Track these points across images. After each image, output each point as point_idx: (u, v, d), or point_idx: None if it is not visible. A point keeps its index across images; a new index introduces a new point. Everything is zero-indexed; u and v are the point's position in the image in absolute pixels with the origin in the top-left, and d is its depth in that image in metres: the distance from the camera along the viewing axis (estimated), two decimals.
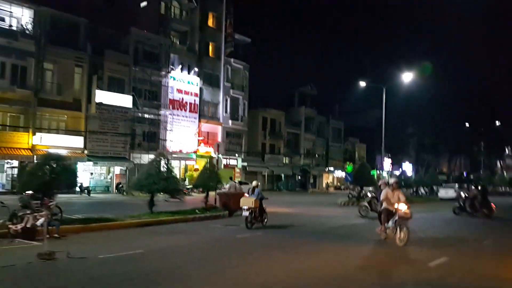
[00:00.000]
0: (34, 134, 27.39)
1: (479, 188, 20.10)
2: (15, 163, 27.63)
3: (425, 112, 52.38)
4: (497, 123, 67.27)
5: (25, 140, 27.05)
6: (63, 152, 28.20)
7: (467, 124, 60.30)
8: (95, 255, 8.30)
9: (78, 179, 26.54)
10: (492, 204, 18.44)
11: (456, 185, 38.32)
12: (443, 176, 56.95)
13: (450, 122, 54.95)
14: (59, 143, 28.40)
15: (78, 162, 30.10)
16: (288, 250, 9.45)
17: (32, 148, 26.59)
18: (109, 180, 32.88)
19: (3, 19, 27.09)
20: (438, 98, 52.42)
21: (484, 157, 69.46)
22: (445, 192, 36.11)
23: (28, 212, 10.40)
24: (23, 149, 26.51)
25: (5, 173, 27.63)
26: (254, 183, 14.87)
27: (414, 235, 12.09)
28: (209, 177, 17.78)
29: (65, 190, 17.01)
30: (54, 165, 12.63)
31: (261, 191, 14.59)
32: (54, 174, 12.42)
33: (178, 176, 35.00)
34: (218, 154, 19.21)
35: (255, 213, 13.27)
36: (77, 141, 29.88)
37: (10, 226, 10.00)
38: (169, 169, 15.90)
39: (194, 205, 18.54)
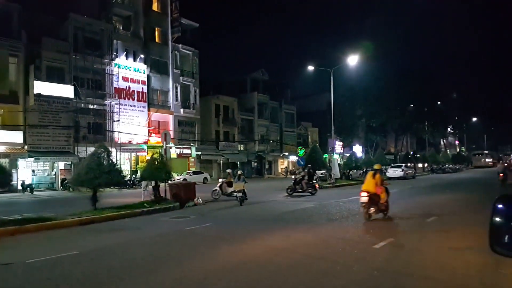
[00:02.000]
0: None
1: (306, 170, 22.53)
2: None
3: (371, 94, 53.86)
4: (439, 103, 70.91)
5: None
6: (1, 148, 26.46)
7: (411, 105, 62.91)
8: (24, 259, 7.61)
9: (13, 176, 25.16)
10: (316, 184, 21.73)
11: (403, 165, 39.87)
12: (391, 156, 59.21)
13: (396, 102, 56.97)
14: None
15: (18, 159, 28.32)
16: (235, 241, 9.18)
17: None
18: (53, 176, 31.14)
19: None
20: (384, 79, 54.08)
21: (429, 136, 72.92)
22: (393, 172, 37.51)
23: None
24: None
25: None
26: (239, 172, 19.19)
27: (360, 215, 12.35)
28: (157, 168, 17.11)
29: None
30: None
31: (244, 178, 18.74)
32: None
33: (129, 168, 34.55)
34: (167, 143, 18.45)
35: (242, 193, 17.35)
36: (16, 136, 27.96)
37: None
38: (112, 162, 15.12)
39: (139, 197, 17.94)
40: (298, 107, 60.58)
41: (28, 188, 27.08)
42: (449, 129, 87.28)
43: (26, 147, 28.30)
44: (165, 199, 17.35)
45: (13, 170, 27.55)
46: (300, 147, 32.93)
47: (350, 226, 10.50)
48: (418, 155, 61.70)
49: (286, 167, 58.94)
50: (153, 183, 17.72)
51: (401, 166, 39.09)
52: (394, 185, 27.82)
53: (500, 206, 2.26)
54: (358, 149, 61.11)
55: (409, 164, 44.60)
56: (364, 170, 41.15)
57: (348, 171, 36.42)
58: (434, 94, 67.11)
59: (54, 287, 5.91)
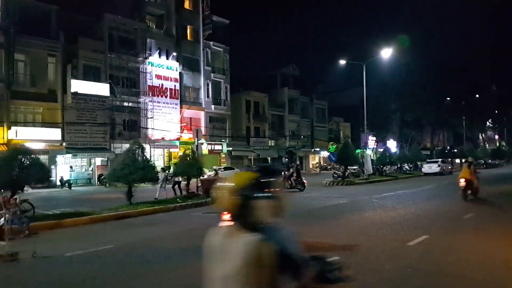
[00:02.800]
0: (9, 128, 26.51)
1: (295, 166, 23.10)
2: None
3: (406, 88, 52.41)
4: (477, 96, 68.07)
5: (0, 135, 26.16)
6: (41, 145, 27.59)
7: (448, 98, 60.73)
8: (62, 253, 7.94)
9: (52, 172, 26.16)
10: (304, 180, 21.75)
11: (440, 160, 38.60)
12: (427, 151, 57.47)
13: (432, 96, 55.12)
14: (35, 136, 27.57)
15: (57, 155, 29.46)
16: None
17: (8, 143, 25.65)
18: (91, 172, 32.22)
19: None
20: (419, 72, 52.45)
21: (466, 131, 70.26)
22: (429, 167, 36.40)
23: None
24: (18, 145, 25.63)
25: None
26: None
27: (394, 212, 12.08)
28: (189, 164, 17.37)
29: (38, 185, 16.59)
30: (22, 160, 12.13)
31: None
32: (22, 169, 11.93)
33: (162, 164, 35.26)
34: (198, 139, 18.69)
35: None
36: (55, 134, 29.02)
37: None
38: (146, 158, 15.48)
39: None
40: (330, 102, 59.81)
41: (67, 184, 28.16)
42: (488, 123, 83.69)
43: (64, 144, 29.37)
44: (197, 194, 17.60)
45: (52, 166, 28.79)
46: (331, 143, 32.56)
47: (383, 223, 10.27)
48: (455, 150, 59.58)
49: (318, 162, 58.46)
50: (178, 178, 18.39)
51: (437, 162, 37.81)
52: (430, 181, 27.27)
53: None
54: (392, 144, 59.77)
55: (446, 160, 43.09)
56: (398, 165, 40.19)
57: (381, 166, 35.65)
58: (472, 87, 64.53)
59: (91, 278, 6.12)
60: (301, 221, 11.29)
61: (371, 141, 51.76)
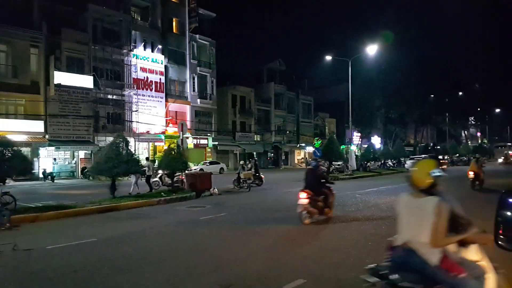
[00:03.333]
0: None
1: (253, 162, 23.60)
2: None
3: (391, 84, 53.02)
4: (460, 93, 69.30)
5: None
6: (23, 137, 27.11)
7: (432, 95, 61.67)
8: (43, 245, 7.86)
9: (34, 165, 25.74)
10: (262, 175, 22.07)
11: (423, 156, 39.19)
12: (410, 148, 58.37)
13: (416, 93, 55.90)
14: (17, 128, 27.10)
15: (40, 148, 29.01)
16: (249, 231, 9.27)
17: None
18: (74, 165, 31.82)
19: None
20: (403, 70, 53.08)
21: (449, 128, 71.50)
22: (412, 164, 36.81)
23: None
24: None
25: None
26: (250, 165, 22.79)
27: (377, 207, 12.28)
28: (174, 158, 17.31)
29: (20, 178, 16.34)
30: (4, 151, 11.91)
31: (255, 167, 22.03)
32: (3, 161, 11.72)
33: (148, 158, 34.98)
34: (183, 133, 18.62)
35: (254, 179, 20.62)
36: (37, 126, 28.58)
37: None
38: (130, 151, 15.36)
39: (160, 187, 18.20)
40: (316, 98, 60.10)
41: (49, 176, 27.78)
42: (470, 120, 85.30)
43: (47, 136, 28.93)
44: (181, 188, 17.57)
45: (35, 159, 28.36)
46: (316, 138, 32.74)
47: (365, 218, 10.44)
48: (438, 147, 60.63)
49: (303, 158, 58.77)
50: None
51: (420, 158, 38.42)
52: None
53: (510, 199, 2.22)
54: (376, 141, 60.45)
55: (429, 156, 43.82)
56: (382, 161, 40.70)
57: (365, 162, 36.07)
58: (455, 84, 65.67)
59: (72, 272, 6.08)
60: (281, 215, 11.42)
61: (356, 137, 52.30)
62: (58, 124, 29.75)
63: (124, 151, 15.14)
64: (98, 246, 7.96)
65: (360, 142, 52.53)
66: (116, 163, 14.64)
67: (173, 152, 17.59)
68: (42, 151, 29.35)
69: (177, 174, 18.20)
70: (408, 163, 37.49)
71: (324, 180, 10.70)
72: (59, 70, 29.40)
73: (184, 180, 18.12)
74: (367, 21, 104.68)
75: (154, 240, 8.44)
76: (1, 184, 12.30)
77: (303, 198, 9.60)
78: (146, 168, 17.70)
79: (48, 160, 29.81)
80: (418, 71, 54.67)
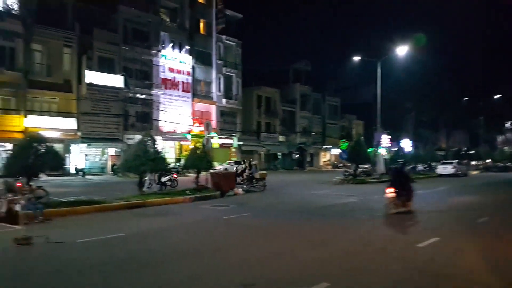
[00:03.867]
0: (25, 116, 26.99)
1: (248, 162, 22.68)
2: (9, 146, 27.31)
3: (422, 86, 51.81)
4: (496, 96, 66.85)
5: (17, 123, 26.65)
6: (56, 134, 28.07)
7: (465, 99, 59.85)
8: (74, 239, 8.12)
9: (66, 161, 26.53)
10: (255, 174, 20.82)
11: (455, 161, 38.14)
12: (442, 152, 56.84)
13: (448, 96, 54.36)
14: (51, 125, 28.05)
15: (72, 144, 29.92)
16: (271, 232, 9.28)
17: (25, 131, 26.11)
18: (104, 162, 32.66)
19: None
20: (435, 71, 51.80)
21: (484, 132, 69.16)
22: (444, 168, 35.97)
23: (10, 196, 10.20)
24: (16, 132, 26.08)
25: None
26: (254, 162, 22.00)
27: (405, 212, 12.03)
28: (199, 157, 17.51)
29: (53, 173, 16.89)
30: (37, 147, 12.36)
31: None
32: (37, 156, 12.17)
33: (173, 157, 35.57)
34: (208, 133, 18.81)
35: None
36: (70, 123, 29.49)
37: None
38: (156, 150, 15.65)
39: (186, 186, 18.40)
40: (342, 99, 59.51)
41: (81, 172, 28.63)
42: (507, 124, 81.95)
43: (79, 133, 29.82)
44: (206, 187, 17.73)
45: (67, 155, 29.29)
46: (343, 140, 32.42)
47: (393, 224, 10.25)
48: (471, 152, 58.71)
49: (329, 160, 58.28)
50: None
51: (452, 163, 37.30)
52: (445, 182, 26.96)
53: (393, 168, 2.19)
54: (406, 144, 59.21)
55: (461, 161, 42.48)
56: (412, 166, 39.77)
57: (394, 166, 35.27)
58: (490, 87, 63.46)
59: (100, 264, 6.28)
60: (305, 217, 11.38)
61: (385, 140, 51.32)
62: (90, 121, 30.63)
63: (152, 149, 15.44)
64: (125, 241, 8.16)
65: (389, 145, 51.60)
66: (143, 160, 14.94)
67: (198, 151, 17.79)
68: (74, 147, 30.25)
69: (168, 173, 18.35)
70: (440, 167, 36.58)
71: (407, 179, 12.49)
72: (91, 69, 30.29)
73: (176, 179, 18.75)
74: (397, 22, 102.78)
75: (179, 237, 8.58)
76: (35, 178, 12.78)
77: (390, 192, 11.37)
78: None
79: (80, 156, 30.72)
80: (451, 73, 53.23)
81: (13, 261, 6.65)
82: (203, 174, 18.52)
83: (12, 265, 6.44)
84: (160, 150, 16.47)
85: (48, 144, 12.90)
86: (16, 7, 27.27)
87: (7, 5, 26.97)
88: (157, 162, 15.43)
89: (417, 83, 51.49)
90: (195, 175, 18.36)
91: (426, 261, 6.58)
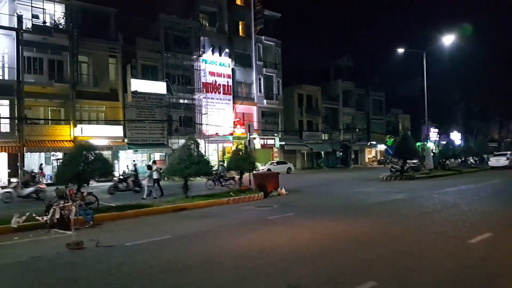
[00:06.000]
0: (75, 126, 28.35)
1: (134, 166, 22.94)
2: (60, 155, 28.83)
3: (470, 76, 49.15)
4: None
5: (67, 132, 28.07)
6: (104, 141, 29.24)
7: None
8: (123, 243, 8.36)
9: (115, 167, 27.43)
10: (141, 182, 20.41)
11: (509, 153, 35.89)
12: (494, 144, 53.72)
13: (499, 84, 51.17)
14: (99, 133, 29.28)
15: (119, 151, 31.06)
16: (316, 231, 9.08)
17: (74, 140, 27.50)
18: None
19: (37, 16, 27.87)
20: (483, 59, 48.87)
21: None
22: (496, 161, 34.02)
23: (61, 203, 10.66)
24: (66, 141, 27.51)
25: (51, 165, 28.88)
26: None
27: (456, 208, 11.42)
28: (242, 158, 17.58)
29: (101, 179, 17.52)
30: (87, 155, 12.87)
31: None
32: (87, 164, 12.67)
33: (217, 159, 36.04)
34: (250, 134, 18.84)
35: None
36: (117, 130, 30.62)
37: (43, 217, 10.27)
38: (200, 153, 15.86)
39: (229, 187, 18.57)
40: (387, 93, 57.82)
41: None
42: None
43: (126, 140, 30.91)
44: (249, 188, 17.76)
45: (115, 161, 30.41)
46: (388, 136, 31.35)
47: (444, 220, 9.75)
48: None
49: (374, 156, 56.80)
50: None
51: (505, 154, 35.16)
52: (498, 175, 25.54)
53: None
54: (456, 137, 56.64)
55: None
56: (463, 159, 37.96)
57: (443, 160, 33.80)
58: None
59: (148, 267, 6.39)
60: (351, 215, 11.06)
61: (433, 133, 49.33)
62: (136, 128, 31.68)
63: (195, 152, 15.67)
64: (172, 243, 8.29)
65: (438, 139, 49.54)
66: (187, 164, 15.21)
67: (240, 153, 17.86)
68: (122, 153, 31.39)
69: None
70: (492, 160, 34.62)
71: None
72: (135, 77, 31.31)
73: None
74: (442, 10, 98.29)
75: (224, 239, 8.59)
76: (85, 185, 13.33)
77: None
78: (155, 173, 17.95)
79: (127, 162, 31.78)
80: (500, 60, 50.07)
81: (65, 265, 6.91)
82: (246, 175, 18.67)
83: (63, 269, 6.69)
84: (203, 153, 16.69)
85: (97, 151, 13.43)
86: (62, 21, 28.70)
87: (55, 20, 28.46)
88: (201, 165, 15.64)
89: (465, 73, 48.95)
90: (238, 176, 18.51)
91: (478, 259, 6.24)
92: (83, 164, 12.54)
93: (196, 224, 10.96)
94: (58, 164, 29.28)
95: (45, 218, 10.08)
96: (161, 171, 30.94)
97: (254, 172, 18.74)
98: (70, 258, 7.36)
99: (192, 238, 8.79)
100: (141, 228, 10.67)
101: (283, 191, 17.80)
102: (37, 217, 10.09)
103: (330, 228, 9.34)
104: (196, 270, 6.19)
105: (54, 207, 10.19)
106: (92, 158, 12.88)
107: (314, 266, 6.14)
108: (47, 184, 23.67)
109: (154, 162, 20.81)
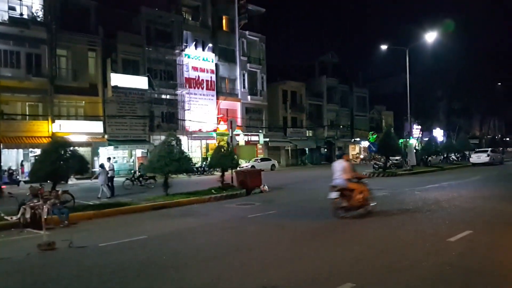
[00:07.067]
0: (53, 121, 27.62)
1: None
2: (38, 151, 28.04)
3: (452, 73, 49.73)
4: None
5: (45, 128, 27.32)
6: (84, 138, 28.60)
7: (499, 84, 57.22)
8: (97, 243, 8.07)
9: (95, 164, 26.90)
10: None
11: (489, 150, 36.48)
12: (475, 141, 54.63)
13: (481, 82, 51.92)
14: (78, 129, 28.63)
15: (100, 147, 30.42)
16: (296, 230, 8.92)
17: (52, 136, 26.70)
18: (132, 164, 33.06)
19: (13, 8, 26.97)
20: (466, 57, 49.46)
21: None
22: (477, 157, 34.52)
23: (35, 201, 10.28)
24: (44, 137, 26.72)
25: (29, 162, 28.10)
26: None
27: (437, 205, 11.42)
28: (224, 155, 17.33)
29: (81, 176, 17.08)
30: (62, 152, 12.47)
31: None
32: (62, 161, 12.27)
33: (200, 156, 35.69)
34: (233, 130, 18.59)
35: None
36: (97, 126, 29.95)
37: (12, 217, 9.89)
38: (181, 150, 15.56)
39: (211, 184, 18.28)
40: (371, 90, 58.11)
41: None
42: None
43: (106, 136, 30.29)
44: (232, 186, 17.55)
45: (95, 158, 29.83)
46: (371, 132, 31.48)
47: (424, 217, 9.70)
48: (507, 139, 56.19)
49: (358, 153, 57.13)
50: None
51: (486, 151, 35.73)
52: (479, 171, 25.84)
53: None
54: (438, 133, 57.37)
55: (496, 149, 40.64)
56: (445, 155, 38.42)
57: (426, 157, 34.14)
58: None
59: (120, 269, 6.13)
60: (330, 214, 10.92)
61: (416, 130, 49.78)
62: (116, 124, 31.04)
63: (176, 149, 15.35)
64: (147, 243, 8.03)
65: (420, 135, 50.02)
66: (168, 161, 14.90)
67: (222, 150, 17.61)
68: (102, 150, 30.74)
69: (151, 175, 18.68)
70: (474, 156, 35.12)
71: None
72: (116, 72, 30.65)
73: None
74: (425, 7, 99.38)
75: (201, 239, 8.37)
76: (63, 182, 12.93)
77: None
78: (111, 171, 17.54)
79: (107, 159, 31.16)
80: (482, 58, 50.75)
81: (34, 267, 6.61)
82: (228, 173, 18.43)
83: (32, 271, 6.40)
84: (185, 150, 16.40)
85: (72, 148, 13.03)
86: (40, 14, 27.83)
87: (32, 12, 27.59)
88: (182, 162, 15.34)
89: (448, 70, 49.44)
90: (220, 173, 18.25)
91: (458, 256, 6.19)
92: (58, 161, 12.15)
93: (174, 223, 10.69)
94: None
95: (14, 218, 9.69)
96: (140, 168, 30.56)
97: (237, 169, 18.51)
98: (40, 259, 7.06)
99: (169, 238, 8.55)
100: (118, 227, 10.37)
101: (266, 188, 17.64)
102: (5, 217, 9.69)
103: (310, 226, 9.19)
104: (170, 272, 5.95)
105: (24, 206, 9.81)
106: (67, 155, 12.49)
107: (292, 266, 5.96)
108: (25, 182, 23.05)
109: (109, 159, 20.39)
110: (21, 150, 27.78)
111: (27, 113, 27.86)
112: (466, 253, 6.36)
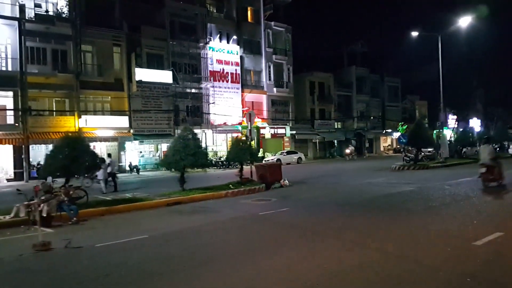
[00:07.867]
0: (79, 117, 27.97)
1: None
2: None
3: (489, 60, 47.04)
4: None
5: (71, 123, 27.71)
6: (110, 132, 28.84)
7: None
8: (94, 243, 7.73)
9: (121, 158, 26.93)
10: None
11: None
12: None
13: None
14: (104, 124, 28.89)
15: (125, 142, 30.65)
16: (306, 231, 8.23)
17: (79, 131, 27.11)
18: (158, 158, 33.16)
19: (39, 5, 27.41)
20: (504, 42, 46.58)
21: None
22: None
23: (43, 198, 10.11)
24: (70, 132, 27.10)
25: None
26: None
27: (466, 201, 10.43)
28: (241, 149, 16.79)
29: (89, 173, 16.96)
30: (74, 147, 12.29)
31: None
32: (74, 157, 12.09)
33: (225, 149, 35.34)
34: (251, 123, 18.01)
35: None
36: (122, 121, 30.12)
37: (5, 216, 9.78)
38: (197, 144, 15.13)
39: (232, 179, 17.84)
40: (404, 79, 56.02)
41: (135, 169, 29.24)
42: None
43: (131, 130, 30.44)
44: (251, 180, 17.02)
45: (122, 152, 30.11)
46: (401, 123, 30.10)
47: (450, 216, 8.82)
48: None
49: (389, 144, 55.30)
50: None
51: None
52: None
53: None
54: (475, 123, 54.67)
55: None
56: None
57: (460, 148, 32.33)
58: None
59: (105, 275, 5.72)
60: (350, 211, 10.19)
61: (451, 120, 47.59)
62: (141, 119, 31.17)
63: (192, 143, 14.94)
64: (145, 244, 7.62)
65: (456, 126, 47.75)
66: (183, 155, 14.50)
67: (241, 143, 17.08)
68: (128, 145, 30.98)
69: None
70: None
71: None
72: (140, 66, 30.72)
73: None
74: None
75: (202, 239, 7.89)
76: (77, 176, 12.79)
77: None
78: (108, 165, 17.11)
79: (133, 153, 31.42)
80: None
81: (21, 270, 6.32)
82: (247, 167, 17.90)
83: (18, 275, 6.12)
84: (209, 143, 15.95)
85: (84, 143, 12.86)
86: (65, 10, 28.16)
87: (57, 9, 27.95)
88: (198, 156, 14.91)
89: (484, 57, 46.87)
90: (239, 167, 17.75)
91: (483, 265, 5.36)
92: (69, 157, 11.97)
93: (183, 220, 10.30)
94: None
95: (7, 217, 9.60)
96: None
97: (256, 163, 17.95)
98: (30, 261, 6.77)
99: (169, 238, 8.11)
100: (124, 225, 10.07)
101: (286, 182, 17.00)
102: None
103: (320, 226, 8.51)
104: (153, 280, 5.47)
105: (18, 205, 9.66)
106: (78, 151, 12.30)
107: (285, 275, 5.34)
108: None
109: (109, 155, 20.03)
110: (50, 146, 28.31)
111: (54, 109, 28.35)
112: (493, 261, 5.52)
